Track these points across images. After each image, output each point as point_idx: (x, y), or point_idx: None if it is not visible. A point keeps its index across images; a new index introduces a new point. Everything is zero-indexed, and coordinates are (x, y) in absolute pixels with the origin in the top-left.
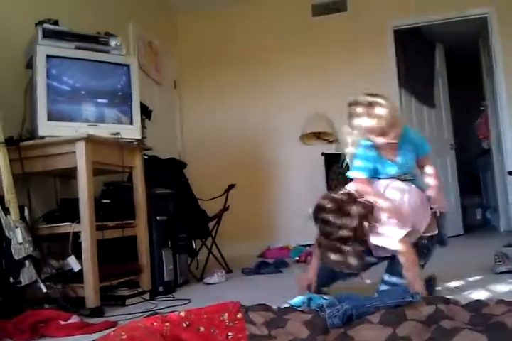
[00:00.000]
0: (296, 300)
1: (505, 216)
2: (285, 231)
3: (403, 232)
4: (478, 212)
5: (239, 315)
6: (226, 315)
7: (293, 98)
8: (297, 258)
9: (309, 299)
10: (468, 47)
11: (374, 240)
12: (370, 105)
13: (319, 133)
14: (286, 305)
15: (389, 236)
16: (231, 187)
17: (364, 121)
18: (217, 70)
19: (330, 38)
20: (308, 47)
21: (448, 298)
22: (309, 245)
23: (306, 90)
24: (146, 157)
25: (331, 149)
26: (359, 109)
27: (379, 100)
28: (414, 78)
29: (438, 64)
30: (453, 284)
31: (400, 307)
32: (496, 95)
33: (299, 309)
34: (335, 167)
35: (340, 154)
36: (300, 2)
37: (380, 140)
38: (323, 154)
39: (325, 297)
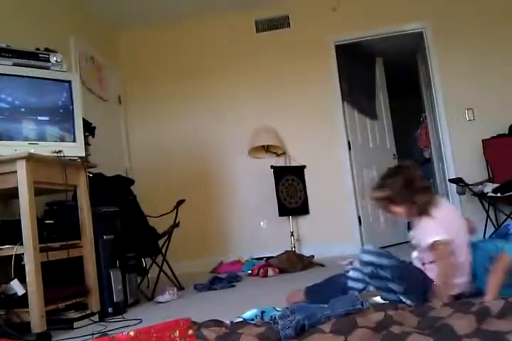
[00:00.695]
0: (249, 313)
1: None
2: (237, 245)
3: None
4: None
5: (190, 332)
6: (177, 332)
7: (240, 112)
8: (250, 271)
9: (262, 312)
10: (407, 60)
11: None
12: None
13: (267, 146)
14: (239, 320)
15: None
16: (180, 202)
17: None
18: (163, 85)
19: (274, 53)
20: (254, 62)
21: (396, 304)
22: (261, 258)
23: (254, 104)
24: (90, 175)
25: (279, 162)
26: None
27: None
28: (356, 91)
29: (378, 77)
30: None
31: (351, 314)
32: (434, 106)
33: (252, 322)
34: (284, 179)
35: (289, 167)
36: (244, 18)
37: None
38: (272, 167)
39: (277, 309)
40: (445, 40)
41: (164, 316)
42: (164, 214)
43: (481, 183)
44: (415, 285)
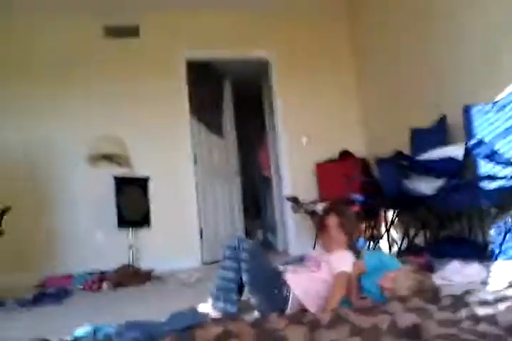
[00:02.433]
0: (82, 330)
1: (282, 236)
2: (69, 257)
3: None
4: (260, 233)
5: None
6: None
7: (81, 119)
8: (82, 285)
9: (96, 329)
10: (254, 82)
11: None
12: None
13: (110, 155)
14: (70, 338)
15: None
16: (6, 210)
17: None
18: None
19: (122, 62)
20: (100, 68)
21: (234, 317)
22: (95, 273)
23: (97, 111)
24: None
25: (122, 172)
26: None
27: None
28: (204, 108)
29: (226, 97)
30: None
31: (190, 329)
32: (275, 128)
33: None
34: (126, 190)
35: (132, 178)
36: (92, 21)
37: None
38: (114, 177)
39: (113, 325)
40: (287, 70)
41: None
42: None
43: (313, 202)
44: (264, 282)
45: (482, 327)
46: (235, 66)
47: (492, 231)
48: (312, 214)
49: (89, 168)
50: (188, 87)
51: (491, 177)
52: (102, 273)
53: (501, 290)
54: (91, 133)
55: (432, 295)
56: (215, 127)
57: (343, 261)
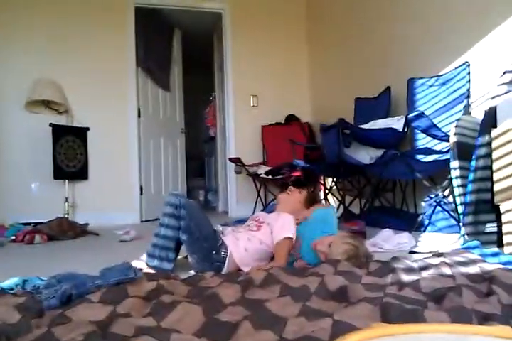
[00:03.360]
0: (9, 282)
1: (224, 198)
2: (1, 208)
3: None
4: (201, 193)
5: None
6: None
7: (22, 62)
8: (13, 237)
9: (24, 281)
10: (205, 37)
11: None
12: None
13: (48, 101)
14: None
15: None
16: None
17: None
18: None
19: (67, 4)
20: (45, 10)
21: (169, 274)
22: (29, 223)
23: (39, 56)
24: None
25: (61, 120)
26: None
27: None
28: (152, 60)
29: (175, 49)
30: None
31: (123, 284)
32: (224, 88)
33: (11, 292)
34: (64, 140)
35: (70, 126)
36: None
37: None
38: (51, 125)
39: (42, 278)
40: (240, 25)
41: None
42: None
43: (256, 165)
44: (202, 241)
45: (406, 292)
46: (187, 17)
47: (423, 203)
48: (255, 176)
49: (27, 113)
50: (136, 34)
51: (427, 151)
52: (36, 225)
53: (426, 259)
54: (31, 77)
55: (365, 260)
56: (161, 80)
57: (287, 226)
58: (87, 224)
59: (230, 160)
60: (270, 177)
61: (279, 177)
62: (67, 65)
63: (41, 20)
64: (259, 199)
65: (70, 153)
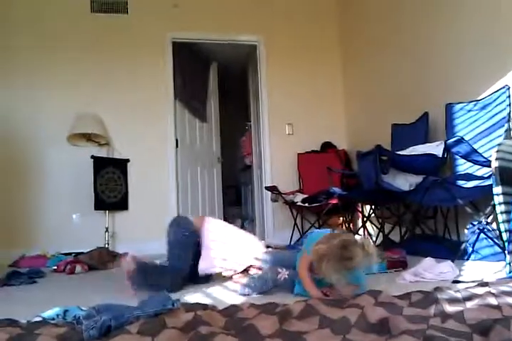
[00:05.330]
0: (50, 312)
1: (260, 226)
2: (43, 238)
3: None
4: (238, 222)
5: None
6: None
7: (64, 96)
8: (55, 267)
9: (65, 311)
10: (240, 69)
11: None
12: None
13: (90, 134)
14: (38, 319)
15: None
16: None
17: None
18: None
19: (109, 37)
20: (86, 43)
21: (206, 304)
22: (70, 253)
23: (79, 89)
24: None
25: (101, 153)
26: None
27: None
28: (189, 91)
29: (212, 81)
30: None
31: (161, 314)
32: (259, 117)
33: (52, 322)
34: (104, 172)
35: (111, 158)
36: None
37: None
38: (92, 157)
39: (83, 308)
40: (275, 56)
41: None
42: None
43: (293, 193)
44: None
45: (450, 323)
46: (223, 50)
47: (466, 231)
48: (291, 204)
49: (69, 146)
50: (174, 68)
51: (468, 177)
52: (77, 255)
53: (470, 289)
54: (73, 111)
55: (362, 248)
56: (198, 111)
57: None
58: (126, 254)
59: (267, 188)
60: (307, 205)
61: (315, 204)
62: (107, 98)
63: (81, 54)
64: (295, 227)
65: (111, 184)
